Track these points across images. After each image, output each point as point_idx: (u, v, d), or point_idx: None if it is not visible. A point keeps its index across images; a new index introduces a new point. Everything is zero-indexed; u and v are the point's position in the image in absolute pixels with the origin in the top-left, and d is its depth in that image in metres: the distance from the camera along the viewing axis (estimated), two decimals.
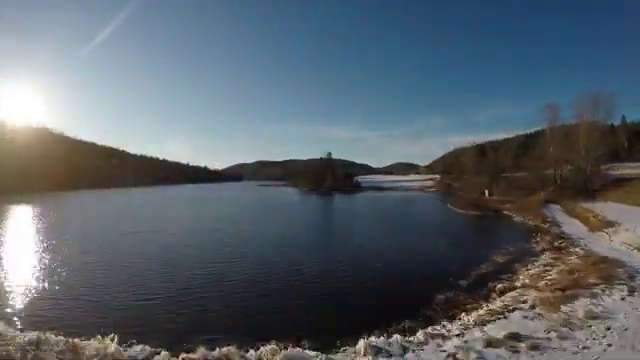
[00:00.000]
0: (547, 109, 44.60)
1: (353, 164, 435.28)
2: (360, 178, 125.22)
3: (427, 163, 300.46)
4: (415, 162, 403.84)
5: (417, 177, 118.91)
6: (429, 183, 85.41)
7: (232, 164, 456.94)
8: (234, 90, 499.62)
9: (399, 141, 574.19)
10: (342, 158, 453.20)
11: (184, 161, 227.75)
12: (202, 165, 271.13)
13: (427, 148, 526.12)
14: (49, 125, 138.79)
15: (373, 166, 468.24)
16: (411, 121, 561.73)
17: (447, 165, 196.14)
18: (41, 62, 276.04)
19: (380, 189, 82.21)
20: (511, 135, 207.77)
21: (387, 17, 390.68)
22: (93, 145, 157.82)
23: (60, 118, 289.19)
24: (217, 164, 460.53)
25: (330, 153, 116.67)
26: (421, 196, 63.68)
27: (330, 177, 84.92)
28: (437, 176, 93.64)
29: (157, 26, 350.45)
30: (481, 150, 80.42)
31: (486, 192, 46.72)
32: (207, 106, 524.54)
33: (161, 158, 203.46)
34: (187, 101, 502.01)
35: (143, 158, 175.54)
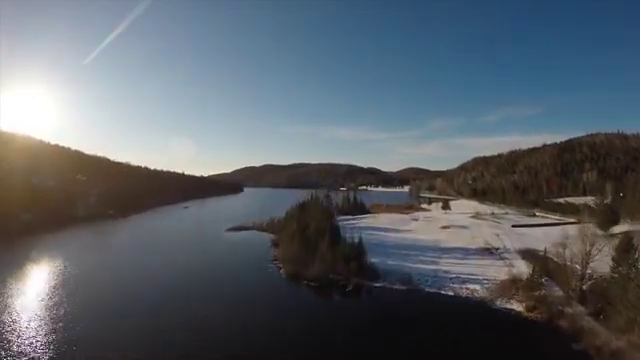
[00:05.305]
0: None
1: (361, 169, 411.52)
2: (365, 213, 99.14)
3: (439, 168, 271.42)
4: (425, 167, 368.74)
5: (461, 232, 54.03)
6: (500, 277, 38.26)
7: (240, 167, 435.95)
8: (240, 91, 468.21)
9: (407, 143, 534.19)
10: (350, 163, 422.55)
11: (180, 170, 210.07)
12: (199, 173, 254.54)
13: (436, 151, 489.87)
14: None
15: (382, 170, 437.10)
16: (419, 123, 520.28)
17: (488, 188, 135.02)
18: (40, 65, 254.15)
19: (410, 288, 40.89)
20: (538, 144, 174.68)
21: (395, 18, 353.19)
22: (77, 153, 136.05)
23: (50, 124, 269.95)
24: (219, 169, 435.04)
25: (331, 204, 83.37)
26: None
27: (327, 247, 35.39)
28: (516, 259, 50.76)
29: (158, 27, 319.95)
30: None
31: None
32: (214, 107, 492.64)
33: (152, 168, 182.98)
34: (193, 103, 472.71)
35: (130, 168, 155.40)
